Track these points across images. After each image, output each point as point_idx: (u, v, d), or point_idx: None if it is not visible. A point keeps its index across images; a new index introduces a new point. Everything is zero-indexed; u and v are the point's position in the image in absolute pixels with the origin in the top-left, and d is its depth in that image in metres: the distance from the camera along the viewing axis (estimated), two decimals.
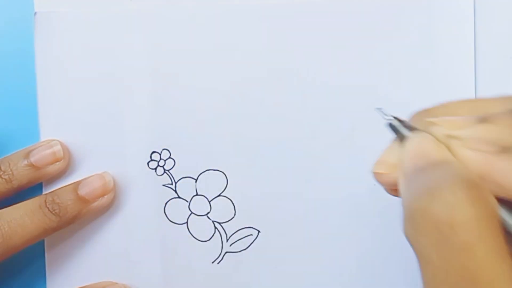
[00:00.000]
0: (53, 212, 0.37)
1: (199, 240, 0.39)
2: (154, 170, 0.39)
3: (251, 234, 0.39)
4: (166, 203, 0.39)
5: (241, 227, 0.39)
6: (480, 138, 0.22)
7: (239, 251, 0.39)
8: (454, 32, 0.38)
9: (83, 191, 0.37)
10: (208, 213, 0.39)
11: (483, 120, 0.23)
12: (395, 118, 0.25)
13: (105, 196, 0.38)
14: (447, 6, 0.38)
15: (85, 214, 0.38)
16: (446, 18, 0.38)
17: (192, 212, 0.39)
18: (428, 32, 0.38)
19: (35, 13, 0.38)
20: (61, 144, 0.38)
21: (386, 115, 0.26)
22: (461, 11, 0.38)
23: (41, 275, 0.40)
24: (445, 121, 0.24)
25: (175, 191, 0.39)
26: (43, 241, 0.39)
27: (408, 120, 0.26)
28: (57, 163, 0.38)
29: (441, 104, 0.26)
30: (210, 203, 0.39)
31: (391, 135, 0.26)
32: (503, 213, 0.22)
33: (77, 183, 0.38)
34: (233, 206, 0.39)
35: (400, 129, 0.25)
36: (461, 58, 0.38)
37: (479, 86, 0.38)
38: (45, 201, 0.37)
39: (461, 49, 0.38)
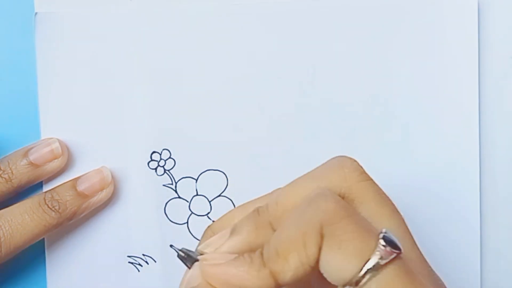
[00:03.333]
0: (53, 208, 0.37)
1: (200, 240, 0.39)
2: (154, 170, 0.39)
3: None
4: (166, 203, 0.39)
5: None
6: (225, 252, 0.27)
7: None
8: (458, 32, 0.38)
9: (81, 186, 0.38)
10: (209, 213, 0.39)
11: (232, 232, 0.28)
12: (183, 250, 0.28)
13: (104, 190, 0.38)
14: (451, 6, 0.38)
15: (84, 210, 0.38)
16: (450, 18, 0.38)
17: (192, 212, 0.39)
18: (432, 32, 0.38)
19: (36, 13, 0.38)
20: (60, 141, 0.38)
21: (176, 249, 0.29)
22: (465, 11, 0.38)
23: (41, 275, 0.40)
24: (205, 246, 0.28)
25: (176, 191, 0.39)
26: (43, 240, 0.39)
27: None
28: (56, 160, 0.38)
29: (224, 216, 0.31)
30: (210, 203, 0.39)
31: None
32: None
33: (76, 179, 0.38)
34: (233, 206, 0.39)
35: (186, 262, 0.28)
36: (465, 59, 0.38)
37: (483, 86, 0.38)
38: (44, 198, 0.37)
39: (465, 49, 0.38)
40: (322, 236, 0.25)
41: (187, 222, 0.39)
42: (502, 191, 0.39)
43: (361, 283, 0.24)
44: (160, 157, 0.39)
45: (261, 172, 0.39)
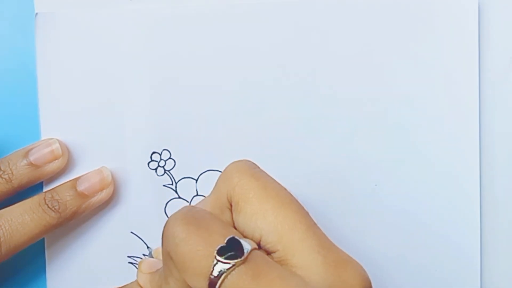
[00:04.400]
0: (53, 208, 0.37)
1: None
2: (154, 171, 0.39)
3: None
4: (166, 204, 0.39)
5: None
6: (155, 260, 0.33)
7: None
8: (459, 32, 0.38)
9: (81, 186, 0.38)
10: None
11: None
12: (149, 248, 0.35)
13: (104, 191, 0.38)
14: (451, 7, 0.38)
15: (84, 210, 0.38)
16: (450, 19, 0.38)
17: None
18: (432, 33, 0.38)
19: (36, 14, 0.38)
20: (60, 142, 0.38)
21: (148, 248, 0.35)
22: (465, 12, 0.38)
23: (41, 275, 0.40)
24: (154, 250, 0.35)
25: (176, 191, 0.39)
26: (43, 240, 0.39)
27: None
28: (56, 161, 0.38)
29: None
30: None
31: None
32: None
33: (76, 180, 0.38)
34: None
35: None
36: (465, 59, 0.38)
37: (483, 87, 0.38)
38: (44, 198, 0.37)
39: (465, 50, 0.38)
40: (172, 261, 0.27)
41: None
42: (502, 191, 0.39)
43: None
44: (160, 157, 0.39)
45: None
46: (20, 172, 0.37)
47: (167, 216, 0.39)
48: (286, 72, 0.38)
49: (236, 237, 0.26)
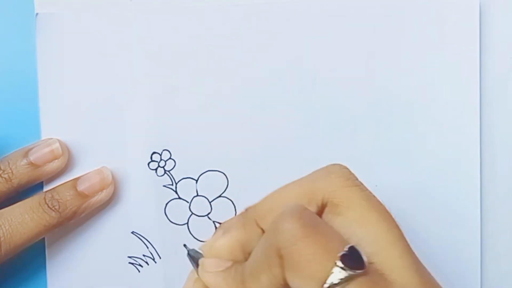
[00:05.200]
0: (53, 208, 0.37)
1: (200, 241, 0.39)
2: (154, 171, 0.39)
3: None
4: (166, 204, 0.39)
5: None
6: (217, 254, 0.30)
7: None
8: (460, 32, 0.38)
9: (82, 186, 0.38)
10: (209, 213, 0.39)
11: (224, 231, 0.30)
12: (193, 249, 0.31)
13: (104, 191, 0.38)
14: (452, 7, 0.38)
15: (84, 210, 0.38)
16: (451, 19, 0.38)
17: (192, 213, 0.39)
18: (433, 33, 0.38)
19: (36, 14, 0.39)
20: (60, 142, 0.38)
21: (188, 249, 0.32)
22: (466, 12, 0.38)
23: (42, 275, 0.40)
24: (204, 245, 0.31)
25: (176, 191, 0.39)
26: (43, 240, 0.39)
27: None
28: (56, 160, 0.38)
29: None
30: (210, 204, 0.39)
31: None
32: None
33: (76, 180, 0.38)
34: (233, 207, 0.39)
35: (193, 261, 0.31)
36: (466, 59, 0.38)
37: (484, 87, 0.38)
38: (44, 198, 0.37)
39: (466, 50, 0.38)
40: (282, 258, 0.26)
41: (188, 223, 0.39)
42: (502, 192, 0.39)
43: None
44: (161, 157, 0.39)
45: (261, 173, 0.39)
46: (20, 172, 0.37)
47: (167, 216, 0.39)
48: (287, 72, 0.38)
49: (356, 247, 0.25)
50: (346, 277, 0.24)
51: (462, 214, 0.38)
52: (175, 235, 0.39)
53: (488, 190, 0.38)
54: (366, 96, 0.38)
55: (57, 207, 0.37)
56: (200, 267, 0.30)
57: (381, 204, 0.28)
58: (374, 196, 0.29)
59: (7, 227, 0.36)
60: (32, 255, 0.39)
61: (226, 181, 0.39)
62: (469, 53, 0.38)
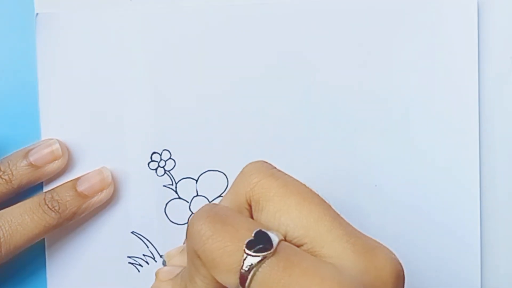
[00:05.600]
0: (53, 209, 0.37)
1: None
2: (154, 171, 0.39)
3: None
4: (166, 204, 0.39)
5: None
6: (173, 267, 0.32)
7: None
8: (458, 32, 0.38)
9: (81, 187, 0.38)
10: None
11: (183, 249, 0.32)
12: (162, 257, 0.34)
13: (104, 191, 0.38)
14: (451, 6, 0.38)
15: (84, 210, 0.38)
16: (450, 19, 0.38)
17: (192, 213, 0.39)
18: (432, 32, 0.38)
19: (36, 14, 0.39)
20: (60, 142, 0.38)
21: (162, 258, 0.34)
22: (465, 11, 0.38)
23: (42, 275, 0.40)
24: (166, 255, 0.34)
25: (176, 191, 0.39)
26: (43, 240, 0.39)
27: None
28: (56, 161, 0.38)
29: None
30: None
31: None
32: None
33: (76, 180, 0.38)
34: None
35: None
36: (465, 59, 0.38)
37: (483, 87, 0.38)
38: (44, 198, 0.37)
39: (464, 50, 0.38)
40: (200, 259, 0.27)
41: (188, 223, 0.39)
42: (502, 191, 0.39)
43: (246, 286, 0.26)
44: (160, 157, 0.39)
45: None
46: (20, 173, 0.37)
47: (167, 216, 0.39)
48: (287, 72, 0.38)
49: (264, 230, 0.26)
50: (255, 262, 0.25)
51: (461, 214, 0.38)
52: (175, 235, 0.39)
53: (487, 189, 0.38)
54: (365, 96, 0.38)
55: (57, 207, 0.37)
56: (155, 277, 0.32)
57: (299, 185, 0.29)
58: (292, 180, 0.29)
59: (7, 228, 0.36)
60: (32, 256, 0.40)
61: (226, 181, 0.39)
62: (468, 53, 0.38)
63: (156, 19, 0.39)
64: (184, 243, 0.34)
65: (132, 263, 0.39)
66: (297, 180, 0.29)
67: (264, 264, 0.25)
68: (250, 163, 0.30)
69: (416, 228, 0.38)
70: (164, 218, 0.39)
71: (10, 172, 0.37)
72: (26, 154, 0.37)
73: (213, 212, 0.27)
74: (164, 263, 0.34)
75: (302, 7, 0.38)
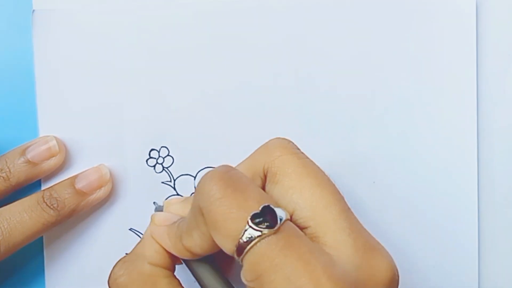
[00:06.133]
0: (51, 206, 0.37)
1: None
2: (152, 168, 0.39)
3: None
4: None
5: None
6: (170, 214, 0.32)
7: None
8: (456, 31, 0.38)
9: (80, 184, 0.38)
10: None
11: (185, 199, 0.33)
12: (160, 206, 0.34)
13: (102, 188, 0.38)
14: (449, 5, 0.38)
15: (83, 207, 0.38)
16: (448, 17, 0.38)
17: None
18: (430, 31, 0.38)
19: (33, 11, 0.38)
20: (57, 139, 0.38)
21: (155, 205, 0.35)
22: (463, 10, 0.38)
23: (40, 273, 0.40)
24: (166, 202, 0.34)
25: (174, 188, 0.39)
26: (41, 238, 0.39)
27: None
28: (53, 158, 0.38)
29: None
30: None
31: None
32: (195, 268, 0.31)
33: (74, 177, 0.38)
34: None
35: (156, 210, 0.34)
36: (463, 57, 0.38)
37: (481, 85, 0.38)
38: (42, 196, 0.37)
39: (463, 48, 0.38)
40: (204, 217, 0.27)
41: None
42: (500, 191, 0.39)
43: (240, 257, 0.26)
44: (159, 154, 0.39)
45: None
46: (17, 170, 0.37)
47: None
48: (284, 70, 0.38)
49: (271, 206, 0.26)
50: (256, 235, 0.26)
51: (459, 212, 0.38)
52: None
53: (485, 187, 0.39)
54: (364, 94, 0.38)
55: (55, 205, 0.37)
56: (151, 220, 0.32)
57: (318, 170, 0.29)
58: (312, 163, 0.30)
59: (5, 226, 0.36)
60: (30, 253, 0.40)
61: None
62: (466, 52, 0.38)
63: (153, 16, 0.39)
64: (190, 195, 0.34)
65: None
66: (317, 165, 0.30)
67: (263, 240, 0.26)
68: (276, 138, 0.31)
69: (413, 226, 0.38)
70: None
71: (7, 170, 0.37)
72: (23, 151, 0.37)
73: (227, 175, 0.28)
74: (156, 209, 0.34)
75: (302, 6, 0.38)
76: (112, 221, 0.39)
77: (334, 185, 0.29)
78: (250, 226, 0.26)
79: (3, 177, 0.37)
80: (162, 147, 0.39)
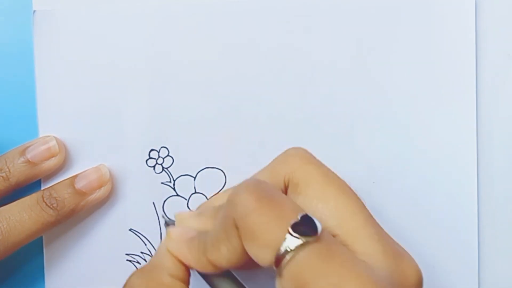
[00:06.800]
0: (51, 206, 0.37)
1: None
2: (152, 168, 0.39)
3: None
4: (164, 201, 0.39)
5: None
6: (189, 228, 0.31)
7: None
8: (456, 31, 0.38)
9: (79, 184, 0.38)
10: None
11: (199, 214, 0.32)
12: (170, 219, 0.34)
13: (102, 188, 0.38)
14: (448, 5, 0.38)
15: (82, 207, 0.38)
16: (447, 17, 0.38)
17: (190, 210, 0.39)
18: (429, 31, 0.38)
19: (34, 11, 0.38)
20: (57, 139, 0.38)
21: (164, 218, 0.35)
22: (462, 10, 0.38)
23: (40, 273, 0.40)
24: (177, 215, 0.32)
25: (174, 189, 0.39)
26: (41, 238, 0.39)
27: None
28: (53, 158, 0.38)
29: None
30: None
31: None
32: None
33: (74, 177, 0.38)
34: None
35: (166, 225, 0.33)
36: (462, 57, 0.38)
37: (480, 85, 0.38)
38: (42, 196, 0.37)
39: (462, 48, 0.38)
40: (238, 229, 0.27)
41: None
42: (499, 191, 0.39)
43: (279, 268, 0.26)
44: (158, 155, 0.39)
45: (259, 170, 0.39)
46: (17, 170, 0.37)
47: (165, 213, 0.39)
48: (284, 70, 0.38)
49: (310, 215, 0.26)
50: (299, 244, 0.25)
51: (459, 211, 0.38)
52: None
53: (485, 186, 0.38)
54: (363, 94, 0.38)
55: (55, 205, 0.37)
56: (167, 235, 0.31)
57: (339, 178, 0.30)
58: (331, 172, 0.30)
59: (5, 226, 0.36)
60: (30, 253, 0.40)
61: (224, 178, 0.39)
62: (465, 51, 0.38)
63: (153, 17, 0.39)
64: (197, 209, 0.34)
65: (130, 261, 0.39)
66: (337, 174, 0.30)
67: (305, 249, 0.25)
68: (293, 148, 0.31)
69: (413, 226, 0.38)
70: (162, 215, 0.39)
71: (7, 170, 0.37)
72: (23, 151, 0.37)
73: (260, 187, 0.27)
74: (167, 223, 0.33)
75: (301, 6, 0.38)
76: (112, 221, 0.39)
77: (355, 193, 0.29)
78: (292, 235, 0.25)
79: (3, 177, 0.37)
80: (162, 147, 0.39)
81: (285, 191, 0.30)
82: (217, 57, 0.39)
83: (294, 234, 0.25)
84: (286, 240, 0.25)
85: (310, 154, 0.30)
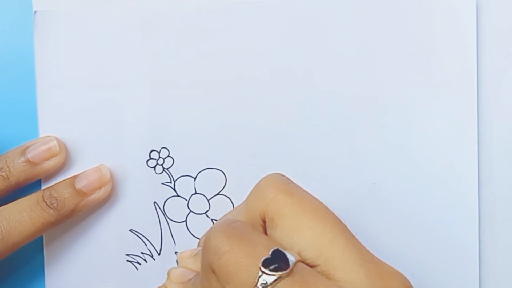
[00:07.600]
0: (51, 206, 0.37)
1: (198, 238, 0.39)
2: (153, 169, 0.39)
3: None
4: (165, 202, 0.39)
5: None
6: (185, 269, 0.31)
7: None
8: (456, 31, 0.38)
9: (80, 184, 0.38)
10: (207, 211, 0.39)
11: (197, 254, 0.32)
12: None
13: (102, 188, 0.38)
14: (449, 5, 0.38)
15: (82, 207, 0.38)
16: (448, 17, 0.38)
17: (191, 211, 0.39)
18: (430, 31, 0.38)
19: (35, 12, 0.39)
20: (57, 139, 0.38)
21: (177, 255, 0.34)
22: (463, 10, 0.38)
23: (40, 273, 0.40)
24: (179, 255, 0.33)
25: (174, 189, 0.39)
26: (41, 238, 0.39)
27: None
28: (54, 158, 0.38)
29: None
30: (209, 202, 0.39)
31: None
32: None
33: (74, 177, 0.38)
34: (232, 205, 0.39)
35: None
36: (463, 57, 0.38)
37: (481, 85, 0.38)
38: (42, 196, 0.37)
39: (463, 48, 0.38)
40: (215, 273, 0.27)
41: (186, 221, 0.39)
42: (500, 189, 0.38)
43: None
44: (159, 155, 0.39)
45: (259, 170, 0.39)
46: (17, 170, 0.37)
47: (165, 214, 0.39)
48: (284, 70, 0.38)
49: (281, 249, 0.26)
50: (270, 281, 0.25)
51: (460, 212, 0.38)
52: (174, 233, 0.39)
53: (486, 188, 0.38)
54: (363, 94, 0.38)
55: (55, 205, 0.37)
56: (167, 276, 0.31)
57: (315, 202, 0.28)
58: (307, 197, 0.29)
59: (5, 225, 0.36)
60: (30, 253, 0.40)
61: (224, 179, 0.39)
62: (466, 51, 0.38)
63: (154, 17, 0.39)
64: (198, 246, 0.34)
65: (130, 261, 0.39)
66: (313, 197, 0.29)
67: (279, 284, 0.25)
68: (266, 177, 0.30)
69: (413, 227, 0.38)
70: (162, 216, 0.39)
71: (7, 169, 0.37)
72: (23, 151, 0.37)
73: (230, 227, 0.27)
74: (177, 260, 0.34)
75: (301, 6, 0.38)
76: (112, 222, 0.39)
77: (334, 214, 0.28)
78: (264, 272, 0.25)
79: (3, 176, 0.37)
80: (162, 148, 0.39)
81: (264, 225, 0.29)
82: (217, 58, 0.39)
83: (265, 271, 0.25)
84: (260, 277, 0.25)
85: (283, 181, 0.29)
